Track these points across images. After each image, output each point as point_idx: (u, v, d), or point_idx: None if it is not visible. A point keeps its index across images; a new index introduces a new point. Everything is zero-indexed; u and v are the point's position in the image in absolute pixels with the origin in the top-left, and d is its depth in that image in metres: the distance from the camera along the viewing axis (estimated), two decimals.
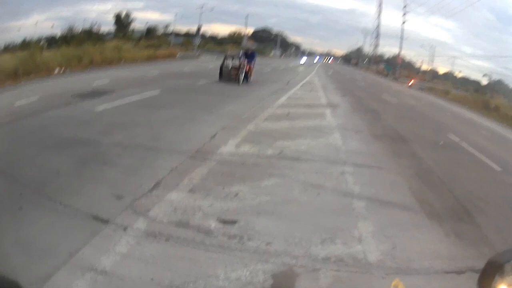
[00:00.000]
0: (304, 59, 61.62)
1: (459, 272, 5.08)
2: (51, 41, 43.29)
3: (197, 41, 64.43)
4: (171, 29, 69.98)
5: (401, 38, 67.46)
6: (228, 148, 9.57)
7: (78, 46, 36.15)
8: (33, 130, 10.33)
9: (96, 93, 16.04)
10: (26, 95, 15.69)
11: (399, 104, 27.37)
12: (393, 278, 4.62)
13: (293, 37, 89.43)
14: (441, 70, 66.83)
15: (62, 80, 22.48)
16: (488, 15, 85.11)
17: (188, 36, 70.98)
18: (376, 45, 73.84)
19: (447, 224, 6.78)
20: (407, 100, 31.98)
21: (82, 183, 6.80)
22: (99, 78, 21.03)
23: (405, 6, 67.53)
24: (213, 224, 5.61)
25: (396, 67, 66.09)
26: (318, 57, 78.74)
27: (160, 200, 6.26)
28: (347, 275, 4.69)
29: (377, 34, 74.91)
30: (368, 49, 76.30)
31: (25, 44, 37.35)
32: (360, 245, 5.45)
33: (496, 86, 54.97)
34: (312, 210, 6.60)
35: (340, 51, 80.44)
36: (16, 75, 24.55)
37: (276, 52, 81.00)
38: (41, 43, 39.86)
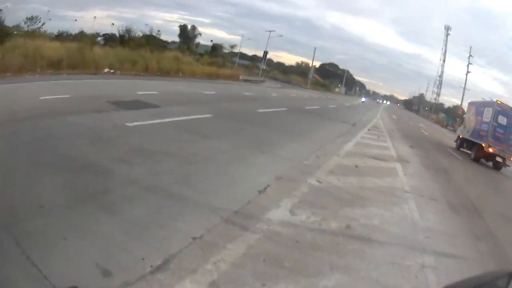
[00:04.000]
0: (364, 99, 62.15)
1: None
2: (108, 39, 43.41)
3: (263, 66, 64.03)
4: (236, 49, 70.08)
5: (464, 88, 65.95)
6: (281, 212, 7.27)
7: (135, 49, 35.40)
8: (40, 137, 8.97)
9: (136, 104, 14.78)
10: (58, 90, 14.85)
11: (465, 160, 25.14)
12: None
13: (358, 76, 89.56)
14: None
15: (107, 81, 21.75)
16: None
17: (253, 60, 71.12)
18: (438, 94, 72.51)
19: None
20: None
21: (65, 234, 4.95)
22: (148, 87, 19.92)
23: (470, 55, 65.84)
24: None
25: (456, 118, 63.40)
26: (380, 99, 78.22)
27: None
28: None
29: (440, 82, 73.56)
30: (429, 96, 75.51)
31: (80, 36, 37.30)
32: None
33: None
34: None
35: (402, 95, 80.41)
36: (59, 66, 23.89)
37: (341, 89, 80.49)
38: (96, 38, 39.97)
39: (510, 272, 1.20)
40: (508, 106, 25.30)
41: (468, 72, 67.66)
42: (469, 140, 27.78)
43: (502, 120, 24.36)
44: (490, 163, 24.46)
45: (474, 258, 7.58)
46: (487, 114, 25.74)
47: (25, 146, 8.11)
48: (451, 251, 7.56)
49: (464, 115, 32.74)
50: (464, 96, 68.16)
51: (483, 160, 25.07)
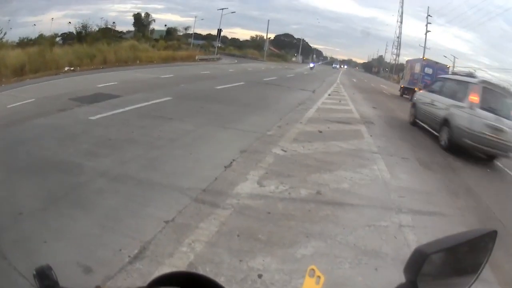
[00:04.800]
0: (312, 65, 60.69)
1: None
2: (67, 38, 42.44)
3: (217, 44, 63.33)
4: (191, 31, 69.11)
5: (424, 47, 66.34)
6: (249, 185, 7.09)
7: (92, 44, 34.64)
8: (9, 144, 8.59)
9: (97, 97, 14.38)
10: (23, 95, 14.48)
11: None
12: None
13: (314, 44, 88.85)
14: None
15: (68, 79, 21.21)
16: (506, 27, 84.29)
17: (208, 39, 70.32)
18: (398, 55, 72.77)
19: None
20: None
21: (44, 237, 4.74)
22: (108, 79, 19.50)
23: (428, 15, 66.23)
24: None
25: None
26: (337, 64, 77.75)
27: (143, 283, 3.92)
28: None
29: (398, 43, 73.76)
30: (389, 57, 75.52)
31: (40, 40, 36.38)
32: None
33: None
34: None
35: (360, 59, 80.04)
36: (22, 72, 23.30)
37: (298, 58, 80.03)
38: (55, 39, 39.08)
39: (494, 230, 1.17)
40: (432, 60, 35.22)
41: (427, 31, 67.77)
42: (407, 87, 36.07)
43: (428, 70, 32.83)
44: None
45: (454, 214, 7.44)
46: (417, 68, 34.53)
47: (1, 152, 7.88)
48: (428, 209, 7.39)
49: (404, 70, 42.66)
50: (425, 55, 68.74)
51: None
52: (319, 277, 1.23)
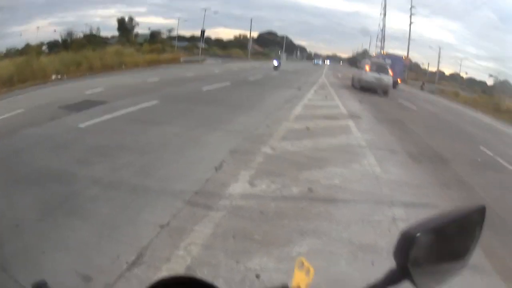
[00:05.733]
0: (275, 63, 57.58)
1: None
2: (53, 46, 42.12)
3: (201, 45, 63.01)
4: (174, 33, 68.71)
5: (409, 39, 66.76)
6: (240, 185, 7.11)
7: (77, 51, 34.40)
8: (2, 156, 8.43)
9: (85, 104, 14.25)
10: (12, 106, 14.28)
11: (419, 110, 25.26)
12: None
13: (298, 41, 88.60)
14: (447, 71, 69.90)
15: (55, 88, 20.98)
16: (491, 15, 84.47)
17: (192, 40, 69.83)
18: (382, 48, 73.00)
19: None
20: (423, 105, 30.10)
21: (43, 247, 4.73)
22: (94, 85, 19.32)
23: (412, 6, 66.53)
24: None
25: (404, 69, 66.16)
26: (320, 60, 77.45)
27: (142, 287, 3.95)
28: None
29: (382, 36, 73.97)
30: (373, 51, 75.71)
31: (26, 49, 36.01)
32: None
33: (502, 87, 55.35)
34: None
35: (345, 54, 79.82)
36: (11, 83, 23.05)
37: (282, 55, 79.87)
38: (41, 48, 38.69)
39: (483, 206, 1.15)
40: (391, 54, 49.26)
41: (411, 23, 67.98)
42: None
43: (388, 61, 38.79)
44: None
45: (445, 206, 7.17)
46: (381, 59, 40.93)
47: None
48: (421, 201, 7.44)
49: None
50: (411, 47, 69.50)
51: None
52: (308, 269, 1.16)
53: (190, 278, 1.30)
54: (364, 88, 28.45)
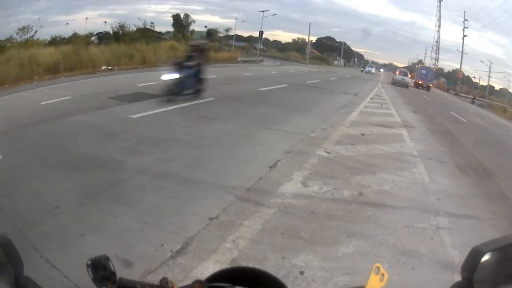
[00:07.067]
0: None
1: None
2: (103, 38, 43.06)
3: (259, 45, 63.50)
4: (232, 32, 69.48)
5: (462, 52, 66.42)
6: (293, 185, 7.20)
7: (130, 44, 35.12)
8: (46, 140, 8.81)
9: (138, 96, 14.61)
10: (58, 93, 14.77)
11: (469, 124, 25.21)
12: None
13: (356, 48, 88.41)
14: (497, 86, 71.83)
15: (106, 78, 21.56)
16: None
17: (249, 40, 70.44)
18: (437, 59, 72.69)
19: None
20: (473, 118, 30.12)
21: (82, 230, 4.91)
22: (148, 78, 19.52)
23: (465, 20, 65.98)
24: None
25: (456, 82, 70.75)
26: (372, 68, 76.90)
27: (184, 277, 4.07)
28: None
29: (437, 47, 73.36)
30: (428, 62, 75.42)
31: (74, 39, 37.02)
32: None
33: None
34: None
35: (400, 63, 79.56)
36: (56, 70, 23.73)
37: (340, 61, 79.74)
38: (90, 38, 39.64)
39: None
40: (426, 66, 65.46)
41: (464, 36, 67.63)
42: (415, 81, 56.96)
43: (423, 71, 58.22)
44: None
45: (487, 218, 7.49)
46: (419, 70, 59.49)
47: (33, 151, 7.95)
48: (464, 212, 7.48)
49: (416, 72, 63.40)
50: (463, 60, 69.76)
51: None
52: (383, 274, 1.20)
53: (248, 269, 1.39)
54: (395, 83, 49.25)
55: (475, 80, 72.11)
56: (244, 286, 1.29)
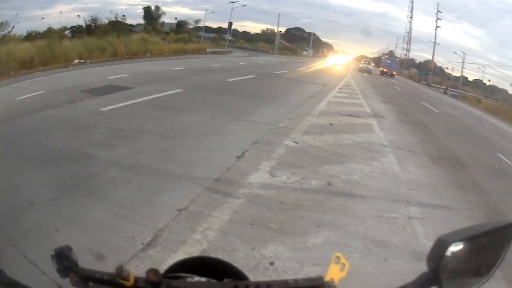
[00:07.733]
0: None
1: None
2: (76, 31, 42.51)
3: (228, 37, 63.20)
4: (201, 24, 69.05)
5: (434, 43, 66.81)
6: (261, 175, 7.19)
7: (102, 37, 34.64)
8: (21, 135, 8.62)
9: (109, 89, 14.37)
10: (33, 88, 14.43)
11: (442, 114, 25.21)
12: None
13: (325, 38, 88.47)
14: (470, 77, 71.30)
15: (78, 72, 21.04)
16: None
17: (219, 32, 70.11)
18: (408, 50, 73.19)
19: None
20: (446, 109, 30.19)
21: (56, 225, 4.83)
22: (118, 71, 19.37)
23: (438, 11, 66.47)
24: None
25: (428, 73, 69.86)
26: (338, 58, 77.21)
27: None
28: None
29: (409, 38, 73.88)
30: (399, 52, 75.85)
31: (48, 33, 36.42)
32: None
33: None
34: None
35: (372, 54, 79.80)
36: (31, 65, 23.31)
37: (309, 51, 79.89)
38: (63, 32, 39.07)
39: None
40: (390, 56, 70.79)
41: (437, 27, 68.08)
42: (381, 69, 61.85)
43: (388, 61, 63.90)
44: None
45: (461, 208, 7.55)
46: (384, 60, 65.50)
47: (7, 146, 7.79)
48: (437, 202, 7.49)
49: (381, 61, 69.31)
50: (435, 51, 70.14)
51: None
52: (344, 264, 1.15)
53: (207, 258, 1.39)
54: (360, 71, 55.59)
55: (447, 71, 72.68)
56: (204, 276, 1.26)
